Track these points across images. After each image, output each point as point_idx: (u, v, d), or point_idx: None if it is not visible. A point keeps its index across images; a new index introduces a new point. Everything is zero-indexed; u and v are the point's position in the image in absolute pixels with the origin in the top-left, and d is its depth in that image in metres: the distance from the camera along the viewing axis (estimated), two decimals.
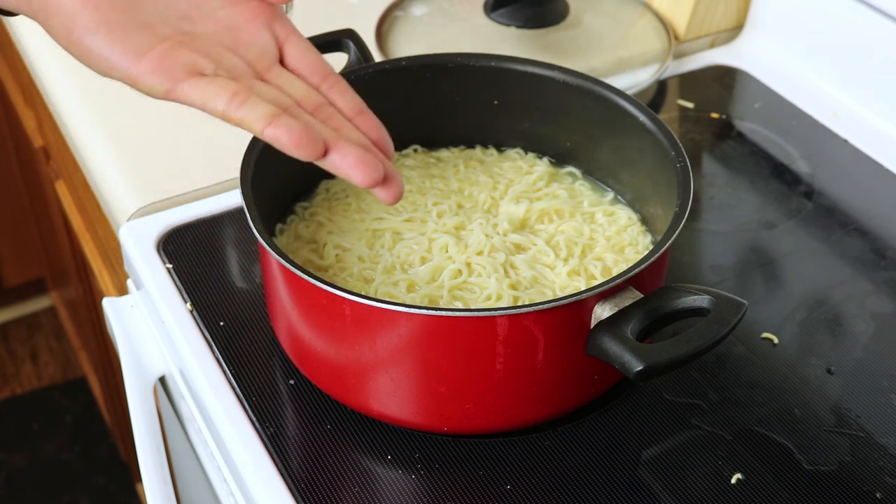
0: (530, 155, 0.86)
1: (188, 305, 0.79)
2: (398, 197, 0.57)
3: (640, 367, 0.59)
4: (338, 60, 0.83)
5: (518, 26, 1.06)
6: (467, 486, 0.68)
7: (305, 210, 0.80)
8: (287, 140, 0.54)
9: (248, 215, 0.67)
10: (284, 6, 0.92)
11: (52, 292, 2.15)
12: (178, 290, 0.80)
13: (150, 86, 0.55)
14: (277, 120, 0.54)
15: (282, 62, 0.59)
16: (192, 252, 0.83)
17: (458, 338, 0.64)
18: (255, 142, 0.73)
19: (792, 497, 0.67)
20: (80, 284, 1.53)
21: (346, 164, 0.55)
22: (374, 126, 0.59)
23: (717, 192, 0.93)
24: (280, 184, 0.78)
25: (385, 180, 0.56)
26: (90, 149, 0.97)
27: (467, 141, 0.87)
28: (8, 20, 1.17)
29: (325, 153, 0.55)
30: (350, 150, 0.55)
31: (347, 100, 0.59)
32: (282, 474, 0.68)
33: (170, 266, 0.82)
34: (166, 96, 0.55)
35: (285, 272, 0.67)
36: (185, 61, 0.55)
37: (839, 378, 0.76)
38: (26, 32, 1.13)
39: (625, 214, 0.80)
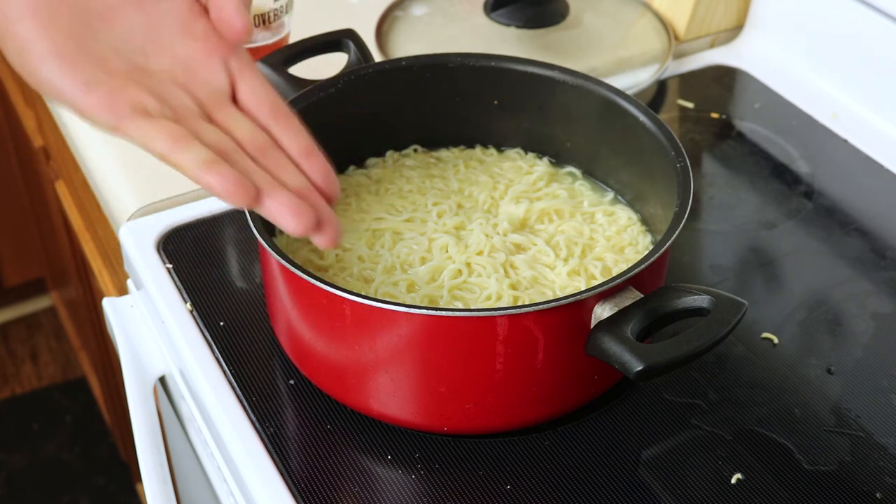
0: (530, 155, 0.86)
1: (188, 305, 0.79)
2: (334, 243, 0.57)
3: (640, 367, 0.59)
4: (338, 60, 0.83)
5: (518, 26, 1.06)
6: (467, 486, 0.68)
7: None
8: (220, 187, 0.54)
9: (248, 215, 0.67)
10: (284, 7, 0.92)
11: (52, 292, 2.15)
12: (178, 290, 0.80)
13: (97, 120, 0.56)
14: (214, 167, 0.54)
15: (236, 99, 0.59)
16: (192, 252, 0.83)
17: (458, 338, 0.64)
18: None
19: (792, 497, 0.67)
20: (80, 284, 1.53)
21: (279, 212, 0.55)
22: (320, 168, 0.59)
23: (717, 192, 0.93)
24: None
25: (320, 225, 0.56)
26: (90, 149, 0.97)
27: (467, 141, 0.87)
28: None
29: (259, 201, 0.55)
30: (284, 197, 0.55)
31: (296, 140, 0.59)
32: (282, 474, 0.68)
33: (170, 266, 0.82)
34: (112, 132, 0.56)
35: (285, 272, 0.67)
36: (131, 99, 0.55)
37: (839, 378, 0.76)
38: None
39: (625, 214, 0.80)
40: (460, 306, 0.71)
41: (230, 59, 0.59)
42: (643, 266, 0.64)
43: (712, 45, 1.11)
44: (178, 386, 0.81)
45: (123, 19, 0.58)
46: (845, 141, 0.98)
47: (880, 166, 0.95)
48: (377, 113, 0.83)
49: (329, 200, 0.58)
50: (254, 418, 0.71)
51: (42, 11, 0.56)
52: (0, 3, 0.56)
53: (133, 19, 0.58)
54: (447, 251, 0.74)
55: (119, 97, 0.55)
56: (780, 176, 0.95)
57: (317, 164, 0.59)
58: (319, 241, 0.57)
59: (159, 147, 0.55)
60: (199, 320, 0.78)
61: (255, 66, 0.61)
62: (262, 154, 0.57)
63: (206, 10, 0.60)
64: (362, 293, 0.67)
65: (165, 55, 0.58)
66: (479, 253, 0.74)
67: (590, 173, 0.84)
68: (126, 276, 0.91)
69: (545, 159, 0.85)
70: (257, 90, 0.59)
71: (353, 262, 0.74)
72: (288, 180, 0.57)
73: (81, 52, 0.56)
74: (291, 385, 0.74)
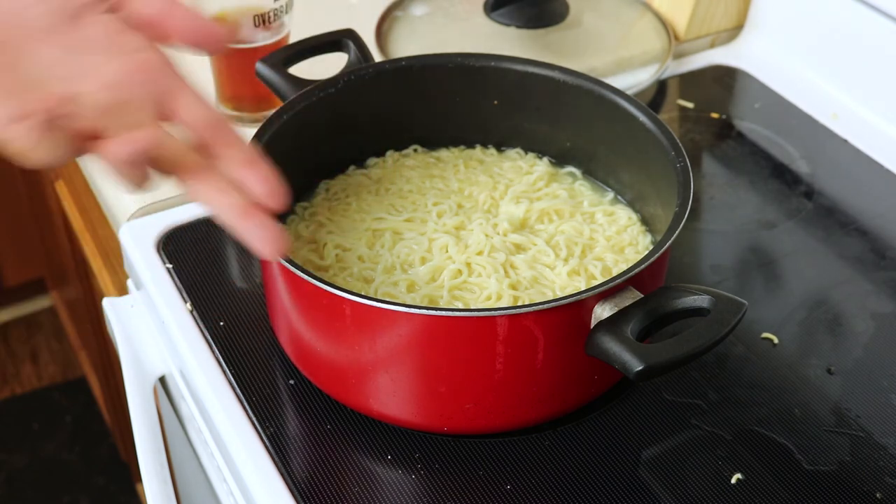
0: (530, 155, 0.86)
1: (188, 305, 0.79)
2: (276, 254, 0.58)
3: (640, 367, 0.59)
4: (338, 60, 0.83)
5: (518, 26, 1.06)
6: (467, 486, 0.68)
7: (305, 210, 0.80)
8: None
9: None
10: (284, 7, 0.92)
11: (52, 292, 2.15)
12: (178, 290, 0.80)
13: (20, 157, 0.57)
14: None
15: (173, 116, 0.59)
16: (191, 252, 0.83)
17: (458, 338, 0.64)
18: (255, 142, 0.73)
19: (792, 497, 0.68)
20: (80, 284, 1.53)
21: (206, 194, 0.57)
22: (262, 178, 0.58)
23: (717, 192, 0.93)
24: None
25: (263, 233, 0.57)
26: None
27: (467, 141, 0.87)
28: None
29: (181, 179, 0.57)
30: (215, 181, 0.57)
31: (236, 151, 0.59)
32: (282, 474, 0.68)
33: (170, 266, 0.82)
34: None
35: (285, 272, 0.67)
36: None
37: (839, 378, 0.76)
38: None
39: (625, 214, 0.80)
40: (460, 306, 0.71)
41: (159, 76, 0.58)
42: (643, 266, 0.64)
43: (712, 45, 1.11)
44: (178, 386, 0.81)
45: (44, 49, 0.57)
46: (845, 141, 0.98)
47: (880, 166, 0.95)
48: (377, 113, 0.83)
49: (276, 207, 0.59)
50: (254, 418, 0.71)
51: None
52: None
53: (54, 48, 0.57)
54: (447, 251, 0.74)
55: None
56: (780, 176, 0.95)
57: (260, 173, 0.59)
58: (262, 254, 0.58)
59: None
60: (199, 320, 0.78)
61: (187, 80, 0.59)
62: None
63: (125, 29, 0.58)
64: (362, 293, 0.67)
65: (91, 79, 0.57)
66: (479, 253, 0.74)
67: (590, 173, 0.84)
68: (126, 276, 0.91)
69: (545, 159, 0.85)
70: (192, 106, 0.59)
71: (353, 262, 0.74)
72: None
73: (4, 84, 0.56)
74: (291, 385, 0.74)
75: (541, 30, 1.06)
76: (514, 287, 0.72)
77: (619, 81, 0.98)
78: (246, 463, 0.69)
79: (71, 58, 0.57)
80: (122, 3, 0.59)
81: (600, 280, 0.73)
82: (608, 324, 0.62)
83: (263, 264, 0.73)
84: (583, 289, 0.67)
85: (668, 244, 0.66)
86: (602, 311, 0.64)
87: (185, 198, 0.89)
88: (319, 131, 0.80)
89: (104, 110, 0.57)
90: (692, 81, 1.06)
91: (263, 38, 0.92)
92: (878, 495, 0.68)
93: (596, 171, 0.84)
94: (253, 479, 0.68)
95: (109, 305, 0.86)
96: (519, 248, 0.75)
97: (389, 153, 0.85)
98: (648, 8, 1.10)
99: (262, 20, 0.91)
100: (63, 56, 0.57)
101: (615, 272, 0.74)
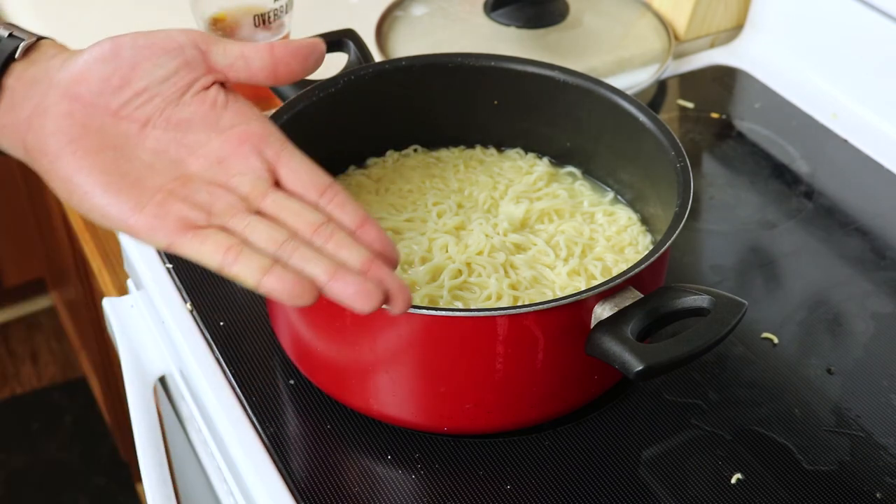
0: (530, 155, 0.86)
1: (188, 305, 0.79)
2: (405, 308, 0.57)
3: (640, 368, 0.59)
4: (338, 60, 0.83)
5: (518, 26, 1.06)
6: (467, 486, 0.68)
7: None
8: (282, 293, 0.54)
9: None
10: (284, 7, 0.92)
11: (52, 292, 2.15)
12: (178, 290, 0.80)
13: (150, 241, 0.57)
14: (269, 274, 0.54)
15: (279, 184, 0.59)
16: None
17: (458, 338, 0.64)
18: None
19: (792, 497, 0.68)
20: (80, 284, 1.53)
21: (347, 296, 0.55)
22: (377, 237, 0.58)
23: (717, 192, 0.93)
24: None
25: (388, 298, 0.56)
26: None
27: (467, 141, 0.87)
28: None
29: (325, 290, 0.55)
30: (349, 280, 0.55)
31: (348, 212, 0.58)
32: (282, 474, 0.68)
33: (170, 266, 0.82)
34: (167, 250, 0.56)
35: None
36: (177, 217, 0.56)
37: (839, 378, 0.76)
38: None
39: (625, 214, 0.80)
40: (460, 306, 0.71)
41: (263, 147, 0.59)
42: (643, 266, 0.64)
43: (712, 45, 1.11)
44: (178, 386, 0.81)
45: (151, 134, 0.59)
46: (845, 141, 0.98)
47: (880, 166, 0.95)
48: (377, 113, 0.83)
49: (391, 265, 0.58)
50: (254, 418, 0.71)
51: (77, 146, 0.57)
52: (42, 145, 0.57)
53: (159, 131, 0.59)
54: (447, 251, 0.74)
55: (164, 217, 0.56)
56: (780, 176, 0.95)
57: (373, 233, 0.58)
58: (392, 310, 0.57)
59: (214, 261, 0.55)
60: (199, 320, 0.78)
61: (291, 146, 0.60)
62: (317, 234, 0.57)
63: (227, 102, 0.60)
64: None
65: (199, 157, 0.59)
66: (479, 253, 0.74)
67: (590, 173, 0.84)
68: (126, 276, 0.91)
69: (545, 159, 0.85)
70: (299, 172, 0.59)
71: None
72: (348, 257, 0.56)
73: (120, 179, 0.57)
74: (291, 385, 0.74)
75: (541, 30, 1.06)
76: (514, 287, 0.72)
77: (619, 81, 0.98)
78: (246, 463, 0.69)
79: (177, 141, 0.59)
80: (210, 65, 0.60)
81: (600, 280, 0.73)
82: (608, 324, 0.62)
83: None
84: (583, 289, 0.67)
85: (668, 244, 0.66)
86: (602, 311, 0.64)
87: None
88: (319, 131, 0.80)
89: (215, 188, 0.57)
90: (692, 81, 1.06)
91: (263, 38, 0.92)
92: (878, 495, 0.68)
93: (596, 171, 0.84)
94: (253, 479, 0.68)
95: (109, 305, 0.86)
96: (519, 248, 0.75)
97: (389, 153, 0.85)
98: (648, 8, 1.10)
99: (262, 20, 0.91)
100: (169, 140, 0.59)
101: (615, 272, 0.74)
